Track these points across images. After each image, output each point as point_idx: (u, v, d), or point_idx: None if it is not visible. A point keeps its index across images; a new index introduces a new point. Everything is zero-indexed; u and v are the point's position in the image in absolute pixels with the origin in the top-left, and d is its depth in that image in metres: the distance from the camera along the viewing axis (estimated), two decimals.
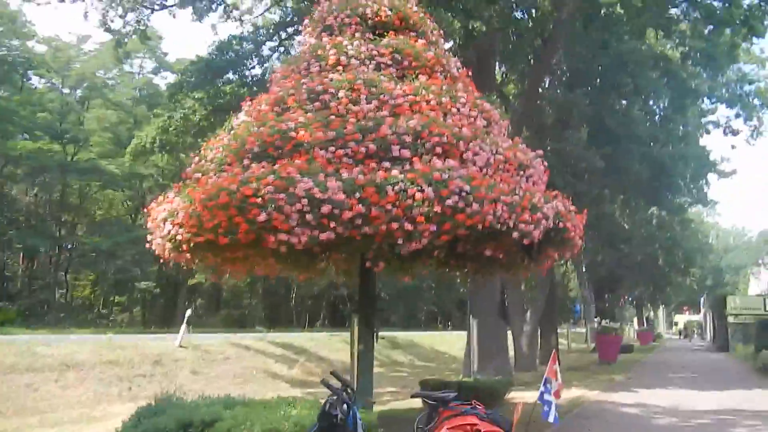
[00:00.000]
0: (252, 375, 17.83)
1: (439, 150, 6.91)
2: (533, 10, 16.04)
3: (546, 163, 8.44)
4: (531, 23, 15.58)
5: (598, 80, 15.67)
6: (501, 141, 7.85)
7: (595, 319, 37.09)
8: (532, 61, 17.89)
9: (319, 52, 8.18)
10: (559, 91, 16.30)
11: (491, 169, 7.32)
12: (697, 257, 50.10)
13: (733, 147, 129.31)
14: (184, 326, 18.28)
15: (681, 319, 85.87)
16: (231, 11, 21.75)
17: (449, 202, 6.36)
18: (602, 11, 15.71)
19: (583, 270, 38.83)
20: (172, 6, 13.97)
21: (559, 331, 30.31)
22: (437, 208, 6.31)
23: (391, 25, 8.52)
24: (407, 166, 6.69)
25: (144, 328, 34.89)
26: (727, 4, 14.61)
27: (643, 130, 16.85)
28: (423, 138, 6.96)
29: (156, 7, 14.04)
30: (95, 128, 32.57)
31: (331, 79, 7.65)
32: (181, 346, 17.73)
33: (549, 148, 14.46)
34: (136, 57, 37.18)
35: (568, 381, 15.20)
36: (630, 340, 44.41)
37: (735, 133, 25.62)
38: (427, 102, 7.50)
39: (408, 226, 6.29)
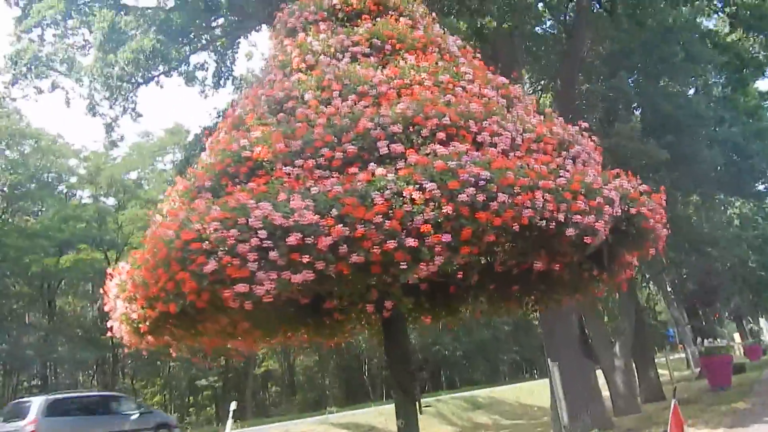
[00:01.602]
0: None
1: (441, 135, 5.03)
2: None
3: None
4: (547, 10, 13.86)
5: (641, 64, 13.68)
6: (529, 117, 5.91)
7: (697, 340, 33.27)
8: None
9: (281, 57, 6.54)
10: (601, 82, 14.34)
11: (520, 151, 5.37)
12: None
13: None
14: (230, 422, 16.46)
15: None
16: (242, 84, 20.87)
17: (463, 197, 4.43)
18: None
19: (668, 288, 35.31)
20: (158, 76, 13.04)
21: (655, 360, 26.94)
22: (448, 209, 4.39)
23: (366, 11, 6.83)
24: (401, 163, 4.84)
25: (216, 427, 33.23)
26: None
27: (705, 111, 14.57)
28: (417, 124, 5.11)
29: (140, 80, 13.11)
30: (131, 229, 32.23)
31: (297, 81, 5.96)
32: None
33: (597, 148, 12.31)
34: (166, 153, 37.23)
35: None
36: (738, 357, 39.89)
37: None
38: (421, 84, 5.67)
39: (411, 242, 4.37)
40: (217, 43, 15.80)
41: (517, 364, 60.95)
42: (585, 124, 6.33)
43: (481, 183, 4.49)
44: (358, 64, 6.01)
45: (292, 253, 4.50)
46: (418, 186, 4.49)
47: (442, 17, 11.31)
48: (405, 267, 4.42)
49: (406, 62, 5.90)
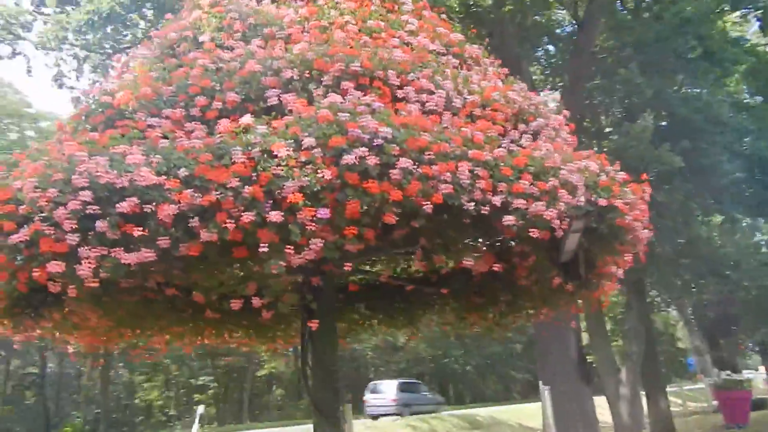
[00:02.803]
0: None
1: (348, 85, 3.84)
2: None
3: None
4: None
5: (655, 60, 12.32)
6: (480, 79, 4.68)
7: (717, 372, 31.21)
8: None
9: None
10: (610, 77, 13.00)
11: (459, 117, 4.15)
12: None
13: None
14: (195, 426, 15.33)
15: None
16: None
17: (350, 159, 3.24)
18: None
19: (690, 314, 33.43)
20: (127, 48, 12.00)
21: (669, 389, 25.17)
22: (326, 174, 3.21)
23: None
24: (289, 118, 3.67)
25: (216, 427, 32.18)
26: None
27: (726, 118, 13.14)
28: (319, 70, 3.94)
29: (108, 50, 12.09)
30: None
31: (197, 20, 4.83)
32: None
33: (606, 149, 11.01)
34: None
35: None
36: (760, 392, 37.64)
37: None
38: (342, 28, 4.49)
39: (274, 216, 3.20)
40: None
41: (530, 384, 59.05)
42: (556, 96, 5.05)
43: (377, 143, 3.30)
44: (277, 4, 4.87)
45: (126, 225, 3.37)
46: (292, 142, 3.33)
47: None
48: (266, 249, 3.23)
49: (328, 2, 4.73)
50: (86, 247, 3.38)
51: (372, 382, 27.61)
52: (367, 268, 6.80)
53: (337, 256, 3.34)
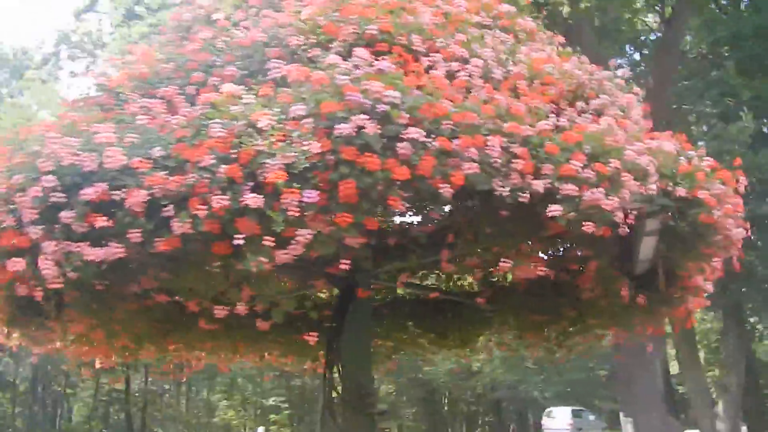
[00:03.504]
0: None
1: (362, 52, 3.21)
2: None
3: None
4: None
5: (752, 57, 10.96)
6: (529, 51, 3.93)
7: None
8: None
9: None
10: (700, 78, 11.71)
11: (501, 91, 3.42)
12: None
13: None
14: None
15: None
16: None
17: (345, 129, 2.60)
18: None
19: None
20: None
21: None
22: (314, 147, 2.58)
23: None
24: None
25: None
26: None
27: None
28: (329, 35, 3.34)
29: None
30: None
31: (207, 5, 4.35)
32: None
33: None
34: None
35: None
36: None
37: None
38: None
39: (251, 200, 2.60)
40: None
41: (616, 415, 55.73)
42: (625, 71, 4.21)
43: (381, 109, 2.64)
44: None
45: (91, 215, 2.86)
46: (279, 111, 2.73)
47: None
48: (241, 242, 2.63)
49: None
50: (51, 242, 2.91)
51: (547, 409, 31.70)
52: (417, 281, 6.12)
53: (333, 251, 2.69)
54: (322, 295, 6.48)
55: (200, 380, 36.22)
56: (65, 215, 2.89)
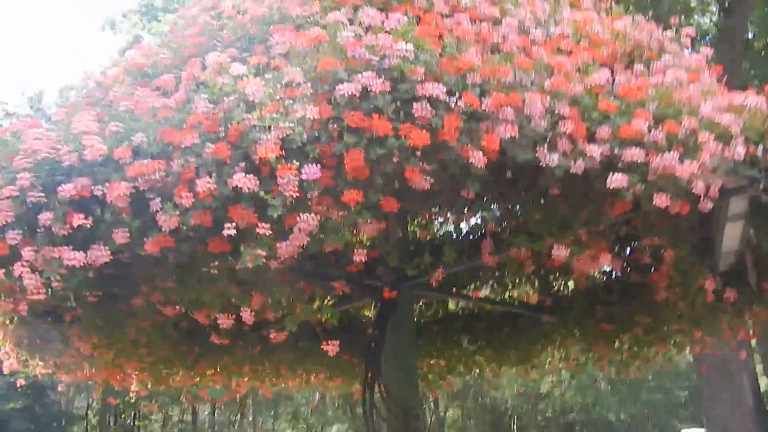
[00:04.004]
0: None
1: (372, 13, 2.75)
2: None
3: None
4: None
5: None
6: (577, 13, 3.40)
7: None
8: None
9: None
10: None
11: (542, 45, 2.90)
12: None
13: None
14: None
15: None
16: None
17: (348, 89, 2.13)
18: None
19: None
20: None
21: None
22: (313, 113, 2.13)
23: None
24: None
25: None
26: None
27: None
28: (337, 1, 2.91)
29: None
30: None
31: None
32: None
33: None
34: None
35: None
36: None
37: None
38: None
39: (240, 180, 2.16)
40: None
41: None
42: (690, 30, 3.59)
43: (391, 64, 2.17)
44: None
45: (73, 214, 2.50)
46: (271, 78, 2.30)
47: None
48: (232, 232, 2.19)
49: None
50: (30, 248, 2.56)
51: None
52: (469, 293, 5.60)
53: (341, 241, 2.22)
54: (367, 313, 6.09)
55: (264, 410, 36.17)
56: (44, 217, 2.54)
